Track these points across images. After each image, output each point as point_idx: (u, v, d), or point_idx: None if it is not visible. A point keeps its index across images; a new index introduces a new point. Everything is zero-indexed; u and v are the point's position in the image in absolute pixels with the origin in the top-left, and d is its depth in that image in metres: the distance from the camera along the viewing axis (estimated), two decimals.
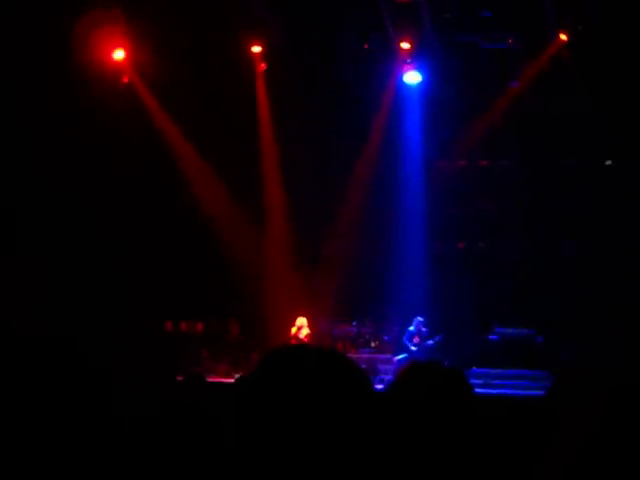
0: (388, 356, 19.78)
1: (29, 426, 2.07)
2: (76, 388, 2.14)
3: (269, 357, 2.13)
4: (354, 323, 21.42)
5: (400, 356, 18.80)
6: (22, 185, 18.55)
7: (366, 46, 20.89)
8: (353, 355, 19.04)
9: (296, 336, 18.57)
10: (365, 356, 19.65)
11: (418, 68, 20.65)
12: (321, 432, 1.98)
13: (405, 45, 20.10)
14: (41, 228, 18.84)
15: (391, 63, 20.75)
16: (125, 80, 20.91)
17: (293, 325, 18.73)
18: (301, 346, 2.26)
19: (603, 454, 2.41)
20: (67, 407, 2.11)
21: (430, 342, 18.64)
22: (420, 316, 18.98)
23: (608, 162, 21.00)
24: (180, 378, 6.73)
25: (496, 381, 18.03)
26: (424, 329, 18.83)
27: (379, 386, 15.04)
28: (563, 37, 19.30)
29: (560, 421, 2.63)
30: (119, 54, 20.39)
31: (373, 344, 21.03)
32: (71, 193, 19.19)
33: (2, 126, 18.19)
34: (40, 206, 18.80)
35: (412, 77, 20.86)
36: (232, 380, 16.79)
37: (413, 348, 18.62)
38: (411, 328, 18.88)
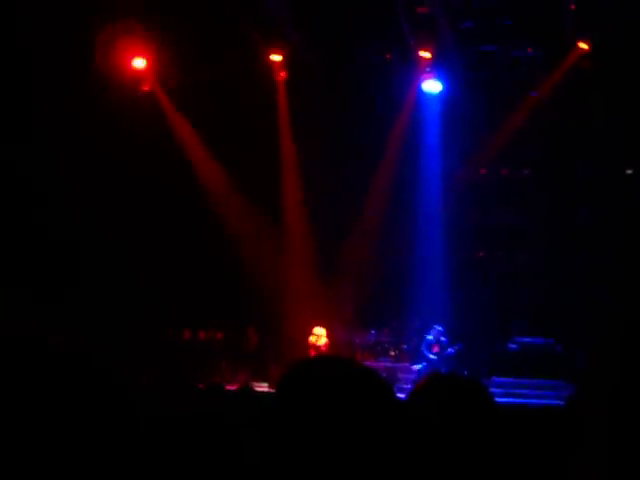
0: (407, 365, 19.74)
1: (38, 432, 2.08)
2: (93, 396, 2.15)
3: (290, 372, 2.14)
4: (373, 332, 21.39)
5: (419, 365, 18.74)
6: (40, 190, 18.62)
7: (386, 55, 20.92)
8: (372, 364, 19.00)
9: (314, 345, 18.58)
10: (384, 365, 19.60)
11: (438, 77, 20.66)
12: (346, 444, 1.99)
13: (425, 54, 20.12)
14: (62, 236, 18.91)
15: (411, 72, 20.77)
16: (146, 88, 21.01)
17: (311, 334, 18.74)
18: (322, 358, 2.26)
19: (625, 462, 2.41)
20: (82, 416, 2.12)
21: (450, 351, 18.58)
22: (439, 325, 18.93)
23: (629, 171, 20.92)
24: (201, 386, 6.76)
25: (515, 390, 17.97)
26: (443, 338, 18.77)
27: (400, 395, 15.03)
28: (583, 46, 19.27)
29: (581, 430, 2.62)
30: (139, 62, 20.49)
31: (392, 353, 20.99)
32: (90, 200, 19.25)
33: (24, 133, 18.28)
34: (57, 213, 18.87)
35: (432, 86, 20.87)
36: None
37: (432, 357, 18.56)
38: (429, 337, 18.83)
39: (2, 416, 2.03)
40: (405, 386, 17.62)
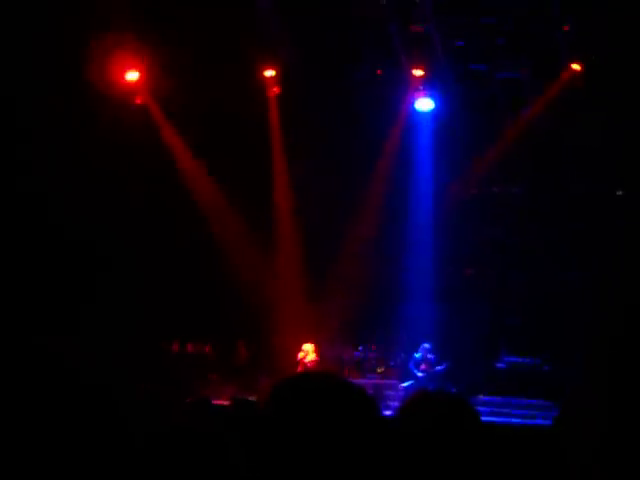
0: (394, 382, 19.71)
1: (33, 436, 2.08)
2: (83, 406, 2.14)
3: (276, 390, 2.16)
4: (360, 348, 21.37)
5: (406, 383, 18.73)
6: (32, 203, 18.60)
7: (379, 72, 20.96)
8: (359, 380, 18.97)
9: (302, 361, 18.55)
10: (371, 382, 19.58)
11: (430, 95, 20.70)
12: (331, 460, 2.00)
13: (418, 72, 20.15)
14: (54, 248, 18.88)
15: (404, 90, 20.80)
16: (138, 101, 21.00)
17: (300, 350, 18.71)
18: (309, 375, 2.27)
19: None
20: (70, 426, 2.11)
21: (437, 369, 18.57)
22: (427, 342, 18.91)
23: (619, 192, 20.96)
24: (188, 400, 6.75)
25: (502, 409, 17.96)
26: (430, 356, 18.75)
27: (387, 412, 14.99)
28: (576, 67, 19.32)
29: (566, 451, 2.63)
30: (132, 75, 20.48)
31: (379, 370, 20.97)
32: (82, 212, 19.22)
33: (17, 146, 18.28)
34: (52, 224, 18.85)
35: (424, 104, 20.90)
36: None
37: (420, 374, 18.55)
38: (417, 355, 18.82)
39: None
40: (392, 403, 17.61)
